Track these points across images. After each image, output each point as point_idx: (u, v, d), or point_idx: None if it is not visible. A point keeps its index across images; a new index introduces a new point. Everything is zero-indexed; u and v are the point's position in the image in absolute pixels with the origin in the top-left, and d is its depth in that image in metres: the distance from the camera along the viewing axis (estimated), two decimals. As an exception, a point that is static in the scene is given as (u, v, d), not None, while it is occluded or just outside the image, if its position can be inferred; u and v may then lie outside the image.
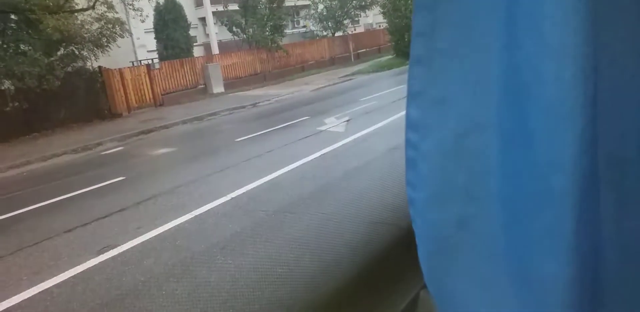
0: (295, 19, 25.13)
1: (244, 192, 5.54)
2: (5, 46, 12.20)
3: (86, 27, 12.86)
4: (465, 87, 0.55)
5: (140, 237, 4.57)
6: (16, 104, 12.23)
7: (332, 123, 8.98)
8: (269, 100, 14.07)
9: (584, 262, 0.53)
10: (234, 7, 19.11)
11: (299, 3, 22.81)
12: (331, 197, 5.11)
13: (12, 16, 12.36)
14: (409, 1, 19.99)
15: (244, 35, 19.08)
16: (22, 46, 12.37)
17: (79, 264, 4.12)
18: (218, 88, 16.84)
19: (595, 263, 0.55)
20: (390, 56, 21.57)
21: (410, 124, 0.59)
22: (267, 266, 3.71)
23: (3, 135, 11.29)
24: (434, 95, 0.57)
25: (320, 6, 22.89)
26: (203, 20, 21.50)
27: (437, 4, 0.55)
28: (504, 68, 0.53)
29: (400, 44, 20.59)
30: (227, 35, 19.83)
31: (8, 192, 7.09)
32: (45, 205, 6.07)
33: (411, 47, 0.57)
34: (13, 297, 3.72)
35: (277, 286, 3.45)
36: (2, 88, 12.16)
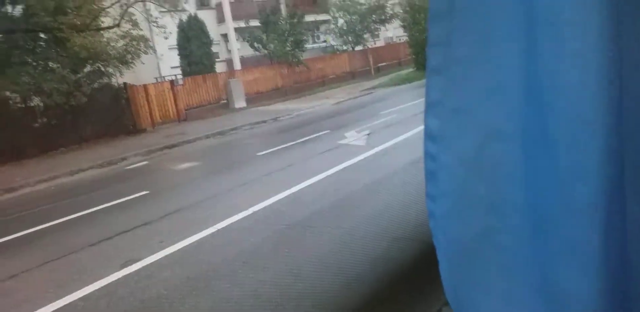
0: (315, 34, 25.40)
1: (265, 206, 5.55)
2: (35, 64, 12.61)
3: (112, 44, 13.24)
4: (484, 96, 0.54)
5: (163, 251, 4.61)
6: (45, 120, 12.59)
7: (353, 137, 8.99)
8: (289, 114, 14.17)
9: (611, 276, 0.51)
10: (255, 23, 19.43)
11: (319, 18, 23.07)
12: (352, 212, 5.09)
13: (42, 35, 12.79)
14: (429, 14, 20.06)
15: (265, 51, 19.34)
16: (50, 64, 12.78)
17: (102, 278, 4.17)
18: (240, 103, 17.05)
19: (623, 276, 0.53)
20: (410, 69, 21.57)
21: (429, 135, 0.58)
22: (288, 281, 3.70)
23: (33, 151, 11.61)
24: (452, 104, 0.56)
25: (340, 21, 23.10)
26: (225, 36, 21.89)
27: (452, 13, 0.54)
28: (524, 75, 0.52)
29: (420, 57, 20.59)
30: (248, 51, 20.13)
31: (37, 206, 7.26)
32: (72, 219, 6.18)
33: (427, 57, 0.57)
34: (39, 310, 3.78)
35: (299, 301, 3.44)
36: (32, 105, 12.54)
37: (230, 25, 19.59)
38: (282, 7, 20.56)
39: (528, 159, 0.53)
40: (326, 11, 23.26)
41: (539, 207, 0.53)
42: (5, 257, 5.12)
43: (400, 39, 27.28)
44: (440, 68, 0.56)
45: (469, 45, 0.54)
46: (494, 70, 0.53)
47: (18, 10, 12.67)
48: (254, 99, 17.75)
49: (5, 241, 5.62)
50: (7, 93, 11.74)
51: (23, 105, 12.49)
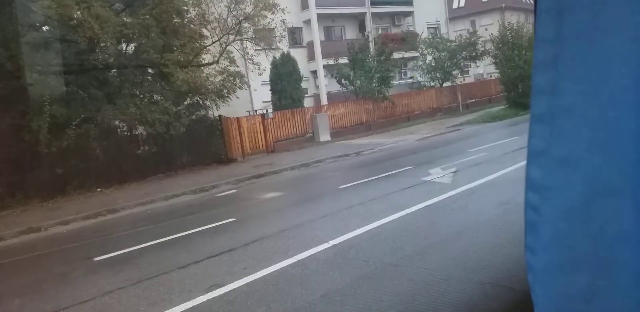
0: (402, 70, 25.57)
1: (345, 240, 5.55)
2: (141, 96, 13.82)
3: (210, 79, 14.18)
4: (593, 147, 0.51)
5: (245, 277, 4.74)
6: (146, 147, 13.66)
7: (438, 174, 8.80)
8: (372, 149, 14.22)
9: None
10: (343, 60, 20.01)
11: (407, 55, 23.27)
12: (436, 252, 4.92)
13: (149, 70, 14.05)
14: (522, 51, 19.52)
15: (352, 87, 19.76)
16: (155, 96, 13.94)
17: (189, 300, 4.36)
18: (325, 136, 17.45)
19: None
20: (501, 106, 20.94)
21: (531, 185, 0.56)
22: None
23: (134, 175, 12.58)
24: (557, 155, 0.54)
25: (429, 57, 23.11)
26: (314, 73, 22.74)
27: (558, 60, 0.53)
28: (637, 127, 0.49)
29: (512, 94, 20.02)
30: (336, 87, 20.68)
31: (134, 227, 7.81)
32: (165, 241, 6.57)
33: (531, 105, 0.56)
34: (131, 326, 4.02)
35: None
36: (136, 133, 13.67)
37: (320, 62, 20.36)
38: (371, 45, 21.00)
39: None
40: (415, 48, 23.41)
41: None
42: (104, 274, 5.53)
43: (491, 76, 26.70)
44: (544, 117, 0.55)
45: (577, 94, 0.52)
46: (604, 121, 0.50)
47: (131, 48, 14.10)
48: (338, 132, 18.09)
49: (105, 259, 6.09)
50: (117, 122, 12.93)
51: (129, 134, 13.66)
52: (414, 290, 4.01)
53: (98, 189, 11.76)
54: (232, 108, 15.65)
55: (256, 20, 15.22)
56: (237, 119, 15.59)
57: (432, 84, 23.40)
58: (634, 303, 0.51)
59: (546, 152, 0.55)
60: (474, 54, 23.16)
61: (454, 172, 8.77)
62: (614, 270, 0.51)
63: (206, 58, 14.80)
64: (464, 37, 23.35)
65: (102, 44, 12.49)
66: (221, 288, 4.55)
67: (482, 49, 23.18)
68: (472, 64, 25.09)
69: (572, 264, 0.54)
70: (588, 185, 0.52)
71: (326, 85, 21.04)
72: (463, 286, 3.82)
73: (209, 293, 4.47)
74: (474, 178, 7.83)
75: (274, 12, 15.39)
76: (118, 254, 6.20)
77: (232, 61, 14.58)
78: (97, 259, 6.12)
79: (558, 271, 0.55)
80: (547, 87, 0.54)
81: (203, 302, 4.32)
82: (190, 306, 4.26)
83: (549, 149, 0.54)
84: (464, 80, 25.55)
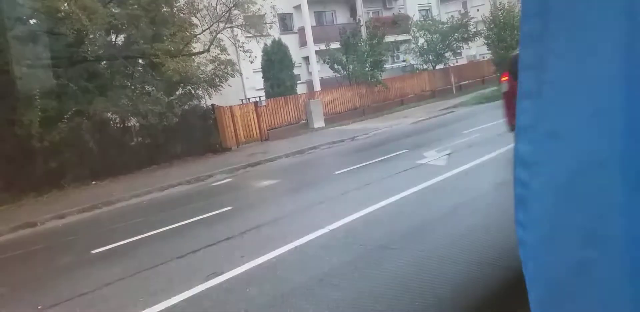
0: (395, 54, 25.43)
1: (342, 225, 5.57)
2: (133, 87, 13.72)
3: (202, 68, 14.08)
4: (582, 120, 0.51)
5: (243, 265, 4.76)
6: (140, 139, 13.60)
7: (432, 156, 8.82)
8: (367, 134, 14.21)
9: None
10: (335, 45, 19.86)
11: (399, 38, 23.10)
12: (432, 234, 4.95)
13: (140, 61, 13.92)
14: (514, 31, 19.42)
15: (345, 72, 19.66)
16: (146, 87, 13.84)
17: (188, 289, 4.37)
18: (319, 123, 17.41)
19: None
20: (494, 88, 20.88)
21: (520, 161, 0.56)
22: (365, 302, 3.68)
23: (129, 167, 12.55)
24: (545, 129, 0.53)
25: (421, 40, 22.97)
26: (306, 59, 22.56)
27: (544, 34, 0.52)
28: (628, 99, 0.48)
29: (505, 75, 19.95)
30: (328, 73, 20.57)
31: (131, 219, 7.81)
32: (162, 231, 6.58)
33: (519, 80, 0.55)
34: (131, 317, 4.05)
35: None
36: (129, 125, 13.60)
37: (312, 48, 20.19)
38: (363, 29, 20.83)
39: (632, 188, 0.49)
40: (407, 31, 23.25)
41: None
42: (102, 266, 5.54)
43: (483, 57, 26.60)
44: (532, 92, 0.54)
45: (564, 67, 0.52)
46: (593, 94, 0.50)
47: (120, 39, 13.95)
48: (332, 118, 18.04)
49: (103, 251, 6.09)
50: (109, 114, 12.84)
51: (121, 126, 13.58)
52: (412, 272, 4.04)
53: (93, 182, 11.74)
54: (225, 97, 15.56)
55: (246, 7, 15.03)
56: (230, 107, 15.52)
57: (425, 67, 23.31)
58: (625, 274, 0.51)
59: (534, 127, 0.54)
60: (466, 36, 23.04)
61: (449, 154, 8.78)
62: (604, 242, 0.51)
63: (197, 47, 14.64)
64: (456, 19, 23.21)
65: (91, 36, 12.35)
66: (220, 276, 4.57)
67: (474, 30, 23.06)
68: (465, 46, 24.98)
69: (562, 238, 0.54)
70: (577, 159, 0.52)
71: (318, 71, 20.89)
72: (459, 266, 3.85)
73: (208, 282, 4.49)
74: (469, 159, 7.84)
75: (263, -2, 15.20)
76: (116, 246, 6.20)
77: (223, 49, 14.45)
78: (95, 251, 6.12)
79: (549, 245, 0.55)
80: (533, 62, 0.54)
81: (202, 290, 4.34)
82: (190, 295, 4.28)
83: (537, 124, 0.54)
84: (457, 62, 25.45)
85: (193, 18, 14.27)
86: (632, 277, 0.51)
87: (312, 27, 22.63)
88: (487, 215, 5.09)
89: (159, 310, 4.07)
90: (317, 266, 4.55)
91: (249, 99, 18.91)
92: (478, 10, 26.48)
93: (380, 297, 3.67)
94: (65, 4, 11.23)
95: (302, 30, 22.63)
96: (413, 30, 23.20)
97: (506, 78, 6.68)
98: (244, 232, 5.96)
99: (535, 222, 0.56)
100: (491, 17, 20.83)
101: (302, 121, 17.63)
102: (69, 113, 11.57)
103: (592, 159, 0.51)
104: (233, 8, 14.77)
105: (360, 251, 4.79)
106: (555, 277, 0.56)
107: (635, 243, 0.50)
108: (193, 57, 14.23)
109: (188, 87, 14.49)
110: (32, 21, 12.49)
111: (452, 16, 23.94)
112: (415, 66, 23.66)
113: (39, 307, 4.53)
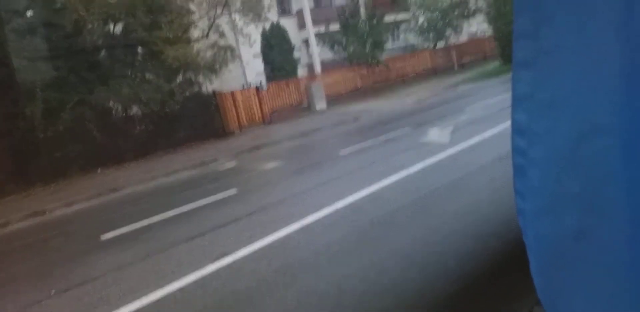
0: (395, 33, 25.16)
1: (347, 204, 5.60)
2: (133, 76, 13.69)
3: (201, 54, 14.01)
4: (579, 88, 0.51)
5: (252, 245, 4.81)
6: (142, 127, 13.62)
7: (436, 134, 8.80)
8: (370, 114, 14.15)
9: None
10: (335, 27, 19.65)
11: (399, 17, 22.83)
12: (437, 209, 4.98)
13: (139, 49, 13.85)
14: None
15: (345, 53, 19.49)
16: (147, 75, 13.80)
17: (198, 270, 4.43)
18: (321, 105, 17.33)
19: None
20: (496, 63, 20.71)
21: (518, 130, 0.56)
22: (373, 277, 3.72)
23: (134, 155, 12.61)
24: (542, 98, 0.53)
25: (421, 19, 22.70)
26: (306, 41, 22.36)
27: (539, 2, 0.52)
28: (625, 64, 0.47)
29: (507, 50, 19.71)
30: (329, 55, 20.41)
31: (138, 205, 7.88)
32: (170, 216, 6.64)
33: (513, 49, 0.55)
34: (142, 298, 4.11)
35: (383, 297, 3.44)
36: (131, 113, 13.61)
37: (311, 30, 19.97)
38: (362, 9, 20.57)
39: (629, 155, 0.49)
40: (406, 10, 22.96)
41: None
42: (112, 251, 5.60)
43: (485, 34, 26.27)
44: (527, 61, 0.54)
45: (560, 35, 0.51)
46: (589, 61, 0.49)
47: (119, 28, 13.86)
48: (334, 100, 17.95)
49: (112, 237, 6.16)
50: (111, 103, 12.84)
51: (124, 114, 13.59)
52: (418, 246, 4.07)
53: (99, 170, 11.80)
54: (226, 82, 15.51)
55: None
56: (232, 93, 15.46)
57: (426, 45, 23.06)
58: (623, 240, 0.51)
59: (531, 96, 0.54)
60: (466, 13, 22.72)
61: (452, 131, 8.75)
62: (603, 209, 0.52)
63: (195, 33, 14.55)
64: (455, -4, 22.87)
65: (89, 26, 12.27)
66: (229, 257, 4.63)
67: (474, 6, 22.73)
68: (465, 23, 24.65)
69: (561, 206, 0.54)
70: (575, 126, 0.51)
71: (319, 53, 20.73)
72: (465, 239, 3.88)
73: (217, 262, 4.55)
74: (472, 135, 7.82)
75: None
76: (125, 232, 6.27)
77: (222, 35, 14.38)
78: (104, 237, 6.19)
79: (548, 212, 0.55)
80: (528, 31, 0.53)
81: (212, 271, 4.40)
82: (200, 275, 4.34)
83: (533, 93, 0.54)
84: (458, 39, 25.16)
85: (190, 4, 14.13)
86: (630, 242, 0.51)
87: (311, 9, 22.36)
88: (492, 189, 5.10)
89: (169, 292, 4.13)
90: (325, 243, 4.60)
91: (250, 83, 18.83)
92: (478, -15, 26.04)
93: (387, 272, 3.71)
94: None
95: (300, 13, 22.36)
96: (413, 9, 22.89)
97: None
98: (251, 214, 6.00)
99: (534, 191, 0.56)
100: (491, -8, 20.52)
101: (305, 104, 17.57)
102: (71, 103, 11.58)
103: (589, 127, 0.51)
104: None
105: (367, 227, 4.82)
106: (555, 244, 0.56)
107: (634, 208, 0.50)
108: (192, 43, 14.15)
109: (188, 74, 14.44)
110: (28, 13, 12.41)
111: (451, -7, 23.59)
112: (416, 45, 23.43)
113: (53, 291, 4.60)
